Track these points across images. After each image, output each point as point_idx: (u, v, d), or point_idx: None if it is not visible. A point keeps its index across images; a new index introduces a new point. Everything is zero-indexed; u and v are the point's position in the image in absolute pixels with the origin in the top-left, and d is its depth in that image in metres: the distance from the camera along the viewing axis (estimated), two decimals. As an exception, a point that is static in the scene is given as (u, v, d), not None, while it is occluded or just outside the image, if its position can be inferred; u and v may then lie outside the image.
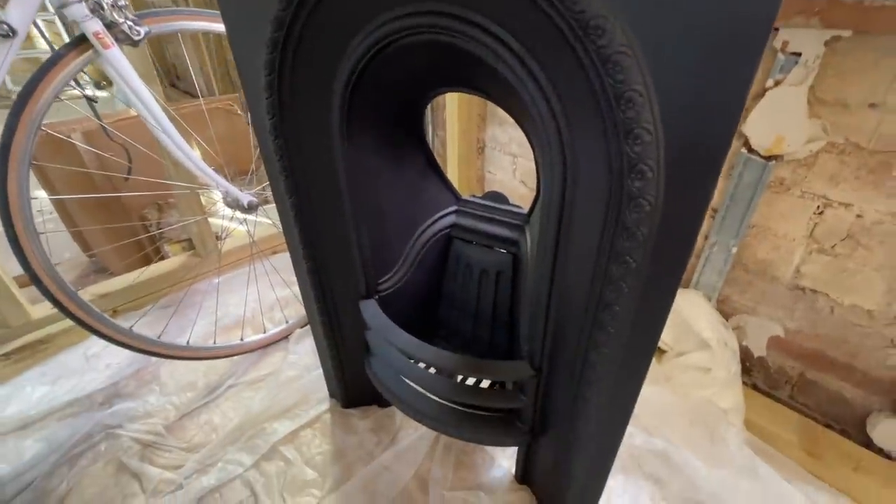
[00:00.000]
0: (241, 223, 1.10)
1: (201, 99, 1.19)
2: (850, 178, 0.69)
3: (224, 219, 1.10)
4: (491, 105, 1.21)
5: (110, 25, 0.70)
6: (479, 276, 0.73)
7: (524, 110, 0.42)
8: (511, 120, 1.18)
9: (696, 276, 0.92)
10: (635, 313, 0.44)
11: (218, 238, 1.29)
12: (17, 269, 1.18)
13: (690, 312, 0.90)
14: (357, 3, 0.43)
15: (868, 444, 0.78)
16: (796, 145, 0.71)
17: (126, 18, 0.70)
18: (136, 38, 0.72)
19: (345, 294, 0.72)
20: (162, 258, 1.34)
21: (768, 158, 0.74)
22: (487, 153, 1.28)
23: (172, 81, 3.59)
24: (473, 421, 0.67)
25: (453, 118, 1.19)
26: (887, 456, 0.77)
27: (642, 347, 0.47)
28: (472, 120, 1.22)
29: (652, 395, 0.85)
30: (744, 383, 0.89)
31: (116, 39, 0.71)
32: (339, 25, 0.46)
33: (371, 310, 0.69)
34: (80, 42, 0.69)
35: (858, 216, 0.69)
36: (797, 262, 0.78)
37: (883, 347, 0.74)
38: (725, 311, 0.92)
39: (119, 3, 0.68)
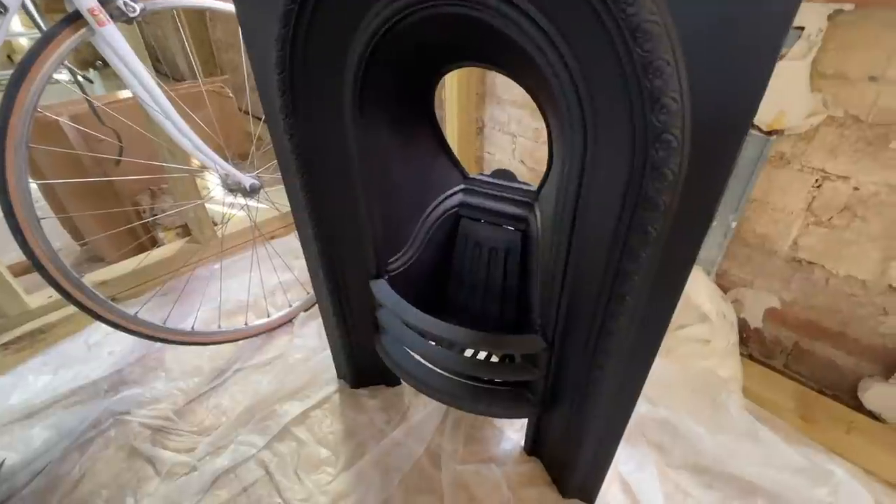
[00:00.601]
0: (240, 208, 1.09)
1: (200, 79, 1.15)
2: (849, 151, 0.70)
3: (224, 203, 1.09)
4: (490, 84, 1.20)
5: (105, 1, 0.68)
6: (488, 253, 0.74)
7: (542, 82, 0.42)
8: (510, 99, 1.17)
9: (695, 251, 0.94)
10: (653, 283, 0.45)
11: (215, 224, 1.27)
12: (9, 259, 1.16)
13: (690, 286, 0.92)
14: (374, -25, 0.43)
15: (859, 407, 0.82)
16: (797, 119, 0.72)
17: (121, -6, 0.67)
18: (132, 14, 0.70)
19: (355, 274, 0.72)
20: (157, 245, 1.32)
21: (769, 133, 0.75)
22: (486, 133, 1.27)
23: (155, 65, 3.48)
24: (485, 394, 0.69)
25: (452, 97, 1.18)
26: (877, 418, 0.81)
27: (658, 317, 0.48)
28: (471, 99, 1.21)
29: (654, 365, 0.88)
30: (740, 353, 0.92)
31: (111, 16, 0.69)
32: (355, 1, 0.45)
33: (382, 289, 0.70)
34: (74, 19, 0.67)
35: (855, 188, 0.71)
36: (795, 234, 0.80)
37: (875, 316, 0.77)
38: (724, 284, 0.95)
39: (114, -22, 0.66)
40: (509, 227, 0.72)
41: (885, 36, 0.61)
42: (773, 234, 0.83)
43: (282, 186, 0.70)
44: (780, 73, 0.71)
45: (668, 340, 0.94)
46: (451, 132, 1.23)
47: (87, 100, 0.84)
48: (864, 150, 0.68)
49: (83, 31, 0.67)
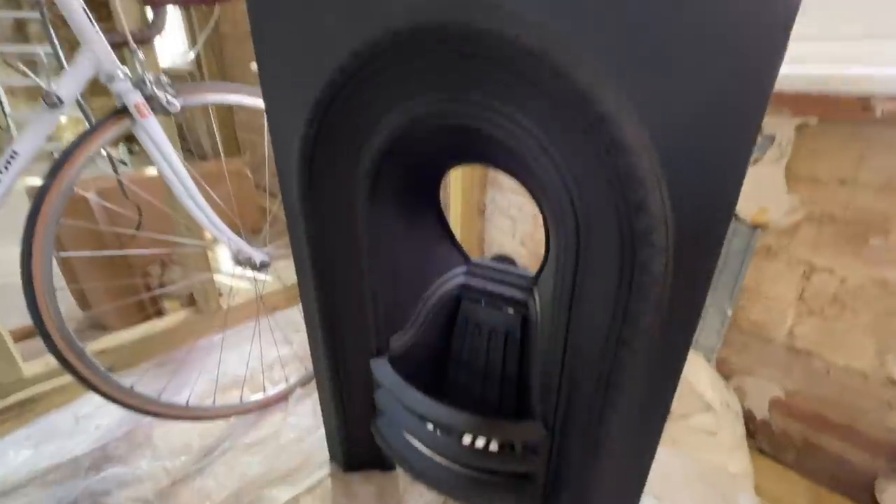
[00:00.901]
0: (248, 281, 1.12)
1: (223, 160, 1.24)
2: (831, 246, 0.74)
3: (233, 276, 1.12)
4: (492, 171, 1.29)
5: (149, 98, 0.76)
6: (487, 335, 0.75)
7: (539, 186, 0.47)
8: (511, 185, 1.25)
9: (694, 337, 0.95)
10: (650, 371, 0.46)
11: (221, 294, 1.29)
12: (13, 323, 1.16)
13: (691, 373, 0.91)
14: (395, 88, 0.49)
15: (878, 510, 0.78)
16: (778, 215, 0.77)
17: (165, 92, 0.76)
18: (172, 109, 0.78)
19: (355, 352, 0.73)
20: (160, 313, 1.33)
21: (754, 227, 0.80)
22: (488, 215, 1.34)
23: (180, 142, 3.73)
24: (482, 486, 0.66)
25: (456, 181, 1.26)
26: (899, 523, 0.76)
27: (656, 408, 0.49)
28: (474, 183, 1.29)
29: (660, 458, 0.84)
30: (750, 447, 0.88)
31: (153, 110, 0.77)
32: (375, 106, 0.51)
33: (382, 368, 0.70)
34: (120, 112, 0.75)
35: (842, 281, 0.74)
36: (790, 323, 0.82)
37: (880, 409, 0.76)
38: (725, 371, 0.94)
39: (161, 80, 0.75)
40: (509, 311, 0.74)
41: (849, 145, 0.68)
42: (768, 322, 0.85)
43: (287, 260, 0.73)
44: (759, 174, 0.77)
45: (674, 430, 0.91)
46: (455, 213, 1.30)
47: (118, 181, 0.91)
48: (845, 246, 0.72)
49: (126, 122, 0.75)
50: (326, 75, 0.50)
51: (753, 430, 0.93)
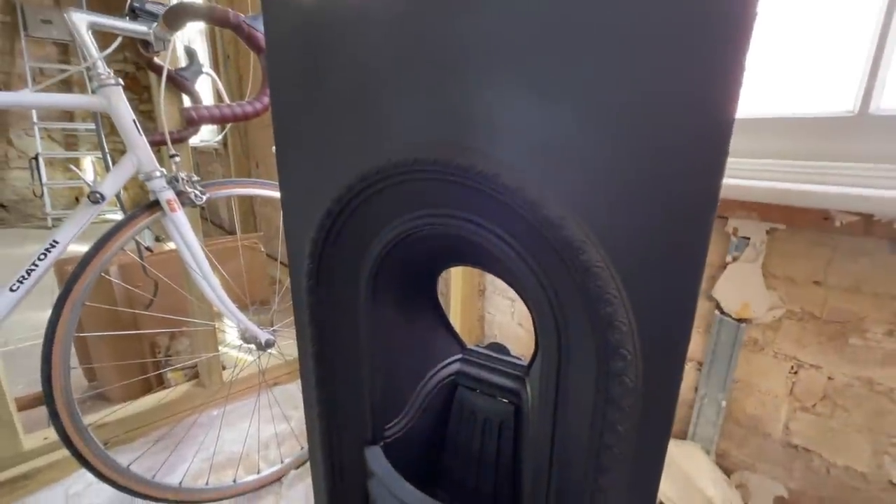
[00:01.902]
0: (253, 356, 1.15)
1: (238, 236, 1.33)
2: (814, 343, 0.77)
3: (239, 351, 1.15)
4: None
5: (180, 193, 0.85)
6: (482, 423, 0.77)
7: (527, 295, 0.52)
8: (509, 267, 1.31)
9: (691, 427, 0.94)
10: (630, 474, 0.48)
11: (224, 368, 1.32)
12: (17, 391, 1.18)
13: (691, 467, 0.90)
14: (395, 204, 0.56)
15: None
16: (760, 311, 0.80)
17: (195, 189, 0.85)
18: (199, 202, 0.86)
19: (351, 438, 0.74)
20: (163, 385, 1.35)
21: (739, 320, 0.83)
22: (487, 296, 1.38)
23: (202, 213, 3.93)
24: (475, 590, 0.64)
25: (457, 264, 1.33)
26: None
27: (642, 500, 0.49)
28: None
29: (661, 562, 0.81)
30: (757, 551, 0.85)
31: (182, 204, 0.85)
32: (378, 216, 0.58)
33: (376, 457, 0.71)
34: (153, 205, 0.83)
35: (830, 378, 0.76)
36: (784, 419, 0.82)
37: (886, 514, 0.74)
38: (726, 466, 0.92)
39: (192, 179, 0.84)
40: (503, 400, 0.76)
41: (816, 250, 0.73)
42: (763, 416, 0.85)
43: (290, 339, 0.77)
44: (738, 272, 0.82)
45: (675, 529, 0.88)
46: (456, 294, 1.35)
47: (141, 264, 0.98)
48: (827, 343, 0.75)
49: (157, 214, 0.83)
50: (336, 192, 0.57)
51: (761, 532, 0.89)
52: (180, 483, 0.91)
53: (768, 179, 0.72)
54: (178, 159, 0.84)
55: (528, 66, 0.43)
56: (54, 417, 0.75)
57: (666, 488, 0.94)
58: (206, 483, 0.97)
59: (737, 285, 0.82)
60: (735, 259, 0.82)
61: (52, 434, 1.04)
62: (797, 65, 0.81)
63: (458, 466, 0.80)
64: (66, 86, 3.72)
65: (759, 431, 0.86)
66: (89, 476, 0.97)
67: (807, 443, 0.80)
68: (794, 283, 0.76)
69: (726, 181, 0.66)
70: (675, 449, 0.94)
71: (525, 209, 0.44)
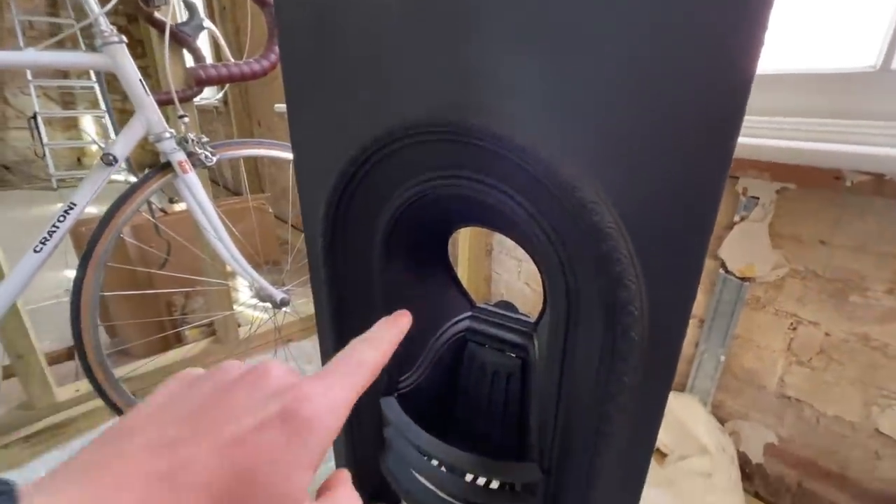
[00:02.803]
0: (268, 314, 1.19)
1: (248, 197, 1.34)
2: (815, 300, 0.79)
3: (254, 309, 1.20)
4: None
5: (190, 154, 0.85)
6: (491, 377, 0.81)
7: (537, 254, 0.53)
8: (516, 227, 1.32)
9: (690, 380, 0.99)
10: (633, 423, 0.51)
11: (240, 325, 1.37)
12: (49, 347, 1.24)
13: (687, 416, 0.95)
14: (409, 165, 0.57)
15: (873, 560, 0.79)
16: (764, 270, 0.82)
17: (205, 150, 0.85)
18: (209, 164, 0.87)
19: (367, 390, 0.78)
20: (181, 342, 1.41)
21: (743, 279, 0.85)
22: (495, 255, 1.41)
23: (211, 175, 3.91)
24: (484, 523, 0.70)
25: (464, 224, 1.34)
26: (893, 575, 0.78)
27: (641, 453, 0.53)
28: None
29: (656, 499, 0.87)
30: (746, 490, 0.91)
31: (193, 165, 0.86)
32: (392, 178, 0.59)
33: (392, 406, 0.75)
34: (165, 167, 0.84)
35: (827, 334, 0.78)
36: (780, 372, 0.86)
37: (869, 459, 0.78)
38: (721, 415, 0.97)
39: (202, 140, 0.84)
40: (511, 354, 0.79)
41: (825, 210, 0.73)
42: (760, 369, 0.88)
43: (305, 297, 0.80)
44: (745, 231, 0.83)
45: (670, 473, 0.94)
46: (464, 254, 1.37)
47: (154, 225, 1.00)
48: (828, 301, 0.77)
49: (170, 176, 0.84)
50: (350, 153, 0.58)
51: (750, 473, 0.95)
52: (207, 430, 0.98)
53: (782, 138, 0.72)
54: (186, 120, 0.84)
55: (542, 21, 0.42)
56: (87, 371, 0.79)
57: (662, 436, 0.99)
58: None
59: (743, 245, 0.83)
60: (743, 219, 0.83)
61: (83, 386, 1.10)
62: (815, 18, 0.78)
63: (469, 415, 0.85)
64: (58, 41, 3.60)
65: (755, 384, 0.90)
66: (121, 424, 1.03)
67: (799, 394, 0.84)
68: (799, 243, 0.77)
69: (740, 140, 0.65)
70: (673, 400, 0.99)
71: (538, 170, 0.45)
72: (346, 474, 0.26)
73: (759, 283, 0.84)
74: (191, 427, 0.20)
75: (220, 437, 0.20)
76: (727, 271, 0.87)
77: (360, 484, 0.86)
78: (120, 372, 1.18)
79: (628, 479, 0.55)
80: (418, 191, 0.58)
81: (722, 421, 0.96)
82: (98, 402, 1.00)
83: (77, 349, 0.77)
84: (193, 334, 1.45)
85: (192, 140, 0.84)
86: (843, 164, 0.64)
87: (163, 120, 0.82)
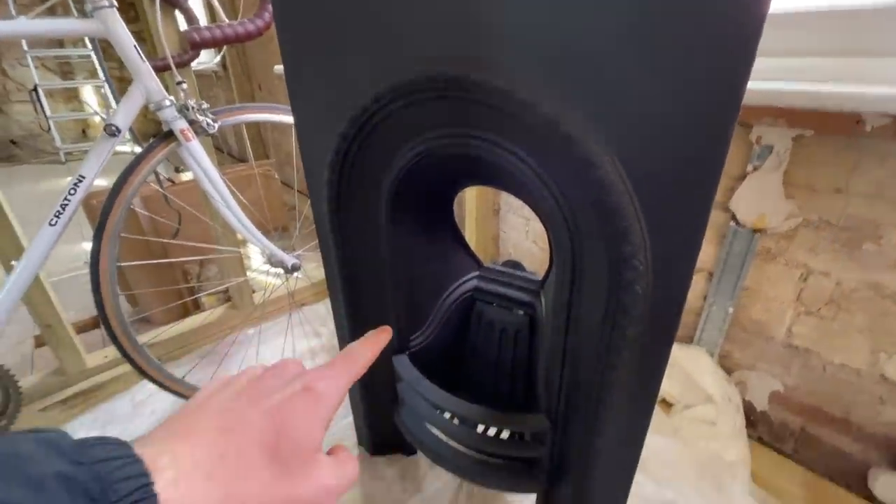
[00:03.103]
0: (280, 279, 1.21)
1: (252, 163, 1.33)
2: (828, 250, 0.78)
3: (267, 275, 1.23)
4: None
5: (192, 122, 0.85)
6: (499, 334, 0.82)
7: (542, 211, 0.53)
8: (523, 186, 1.31)
9: (698, 333, 1.00)
10: (636, 374, 0.52)
11: (254, 291, 1.40)
12: (72, 316, 1.30)
13: (694, 367, 0.97)
14: (411, 125, 0.56)
15: (871, 498, 0.82)
16: (776, 221, 0.81)
17: (206, 117, 0.84)
18: (211, 131, 0.86)
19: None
20: (199, 308, 1.45)
21: (754, 231, 0.84)
22: (502, 215, 1.40)
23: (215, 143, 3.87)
24: (495, 469, 0.74)
25: (471, 185, 1.32)
26: (890, 510, 0.81)
27: (643, 403, 0.55)
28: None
29: (661, 445, 0.91)
30: (749, 436, 0.94)
31: (195, 133, 0.85)
32: (394, 138, 0.58)
33: (404, 364, 0.78)
34: (167, 136, 0.84)
35: (838, 284, 0.78)
36: (788, 322, 0.86)
37: (873, 404, 0.80)
38: (728, 366, 0.99)
39: (203, 107, 0.83)
40: (518, 312, 0.80)
41: (842, 157, 0.71)
42: (768, 321, 0.89)
43: (316, 261, 0.81)
44: (757, 182, 0.81)
45: (676, 421, 0.97)
46: (470, 214, 1.36)
47: (162, 194, 1.01)
48: (840, 250, 0.76)
49: (173, 145, 0.84)
50: (351, 113, 0.57)
51: (754, 420, 0.98)
52: (230, 390, 1.03)
53: (800, 80, 0.68)
54: (185, 86, 0.83)
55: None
56: (113, 339, 0.83)
57: (669, 387, 1.02)
58: (253, 390, 1.08)
59: (755, 196, 0.82)
60: (756, 169, 0.80)
61: (111, 353, 1.15)
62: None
63: (478, 371, 0.88)
64: (49, 8, 3.51)
65: (763, 335, 0.91)
66: (150, 387, 1.09)
67: (807, 344, 0.85)
68: (814, 192, 0.76)
69: (753, 85, 0.63)
70: (680, 352, 1.00)
71: (540, 125, 0.44)
72: (344, 446, 0.35)
73: (770, 234, 0.83)
74: (242, 400, 0.30)
75: (264, 405, 0.30)
76: (738, 223, 0.86)
77: (375, 436, 0.90)
78: (143, 338, 1.23)
79: (632, 427, 0.57)
80: (422, 150, 0.57)
81: (729, 371, 0.98)
82: (126, 367, 1.05)
83: (101, 318, 0.80)
84: (210, 301, 1.50)
85: (193, 107, 0.83)
86: (865, 106, 0.62)
87: (161, 87, 0.81)
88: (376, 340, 0.47)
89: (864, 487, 0.85)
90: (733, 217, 0.86)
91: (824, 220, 0.76)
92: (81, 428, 1.05)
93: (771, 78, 0.70)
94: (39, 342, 1.33)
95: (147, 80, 0.78)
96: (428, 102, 0.52)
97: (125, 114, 0.78)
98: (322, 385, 0.33)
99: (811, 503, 0.83)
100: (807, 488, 0.86)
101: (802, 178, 0.76)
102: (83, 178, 0.76)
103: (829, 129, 0.70)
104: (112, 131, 0.76)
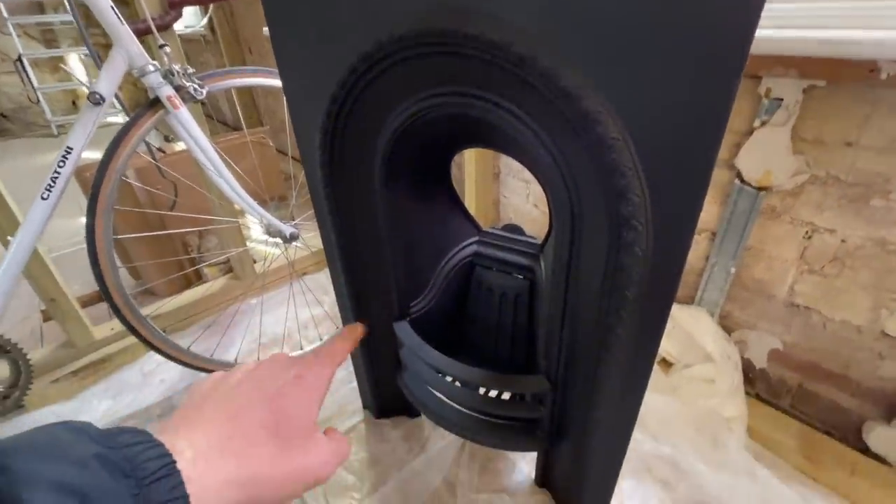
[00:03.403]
0: (279, 248, 1.21)
1: (245, 131, 1.30)
2: (834, 207, 0.76)
3: (266, 245, 1.22)
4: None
5: (178, 88, 0.82)
6: (499, 298, 0.82)
7: (540, 172, 0.51)
8: (523, 148, 1.27)
9: (699, 293, 1.00)
10: (635, 335, 0.52)
11: (255, 262, 1.40)
12: (76, 290, 1.31)
13: (694, 327, 0.97)
14: (403, 84, 0.53)
15: (865, 450, 0.84)
16: (783, 178, 0.78)
17: (192, 82, 0.81)
18: (199, 97, 0.83)
19: (380, 316, 0.81)
20: (201, 280, 1.46)
21: (759, 189, 0.82)
22: (502, 179, 1.37)
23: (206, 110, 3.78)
24: (496, 429, 0.75)
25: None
26: (883, 461, 0.83)
27: (642, 363, 0.55)
28: (488, 150, 1.32)
29: (659, 404, 0.93)
30: (747, 393, 0.95)
31: (183, 99, 0.82)
32: (386, 98, 0.56)
33: (404, 330, 0.79)
34: (154, 104, 0.81)
35: (843, 241, 0.77)
36: (790, 281, 0.86)
37: (872, 360, 0.80)
38: (728, 325, 0.99)
39: (188, 71, 0.80)
40: (518, 276, 0.80)
41: (855, 108, 0.68)
42: (770, 280, 0.88)
43: (315, 230, 0.81)
44: (765, 137, 0.78)
45: (674, 380, 0.99)
46: (470, 178, 1.34)
47: (156, 166, 0.99)
48: (847, 206, 0.74)
49: (161, 113, 0.81)
50: (341, 73, 0.54)
51: (753, 378, 0.99)
52: (235, 359, 1.05)
53: (812, 27, 0.65)
54: (168, 49, 0.79)
55: None
56: (116, 311, 0.83)
57: (669, 346, 1.03)
58: (258, 359, 1.10)
59: (761, 152, 0.79)
60: (763, 123, 0.77)
61: (117, 325, 1.17)
62: None
63: (479, 336, 0.89)
64: (27, -29, 3.35)
65: (764, 294, 0.90)
66: (158, 357, 1.11)
67: (808, 302, 0.85)
68: (823, 146, 0.73)
69: (764, 34, 0.59)
70: (681, 312, 1.01)
71: (538, 81, 0.42)
72: (335, 428, 0.40)
73: (775, 192, 0.81)
74: (242, 389, 0.35)
75: (262, 393, 0.34)
76: (742, 181, 0.84)
77: (379, 400, 0.92)
78: (147, 310, 1.24)
79: (630, 387, 0.58)
80: (415, 110, 0.55)
81: (729, 331, 0.99)
82: (133, 339, 1.06)
83: (102, 290, 0.80)
84: (212, 272, 1.50)
85: (178, 72, 0.79)
86: (881, 53, 0.58)
87: (143, 52, 0.77)
88: (351, 335, 0.57)
89: (857, 440, 0.87)
90: (738, 175, 0.84)
91: (832, 175, 0.74)
92: (94, 398, 1.07)
93: (783, 26, 0.66)
94: (47, 316, 1.35)
95: (128, 44, 0.75)
96: (420, 59, 0.49)
97: (108, 81, 0.75)
98: (311, 374, 0.38)
99: (805, 455, 0.85)
100: (802, 441, 0.88)
101: (812, 132, 0.74)
102: (71, 149, 0.74)
103: (842, 77, 0.66)
104: (96, 100, 0.74)
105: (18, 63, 3.21)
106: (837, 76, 0.67)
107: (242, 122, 1.34)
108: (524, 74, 0.42)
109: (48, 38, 3.87)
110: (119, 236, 1.33)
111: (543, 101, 0.43)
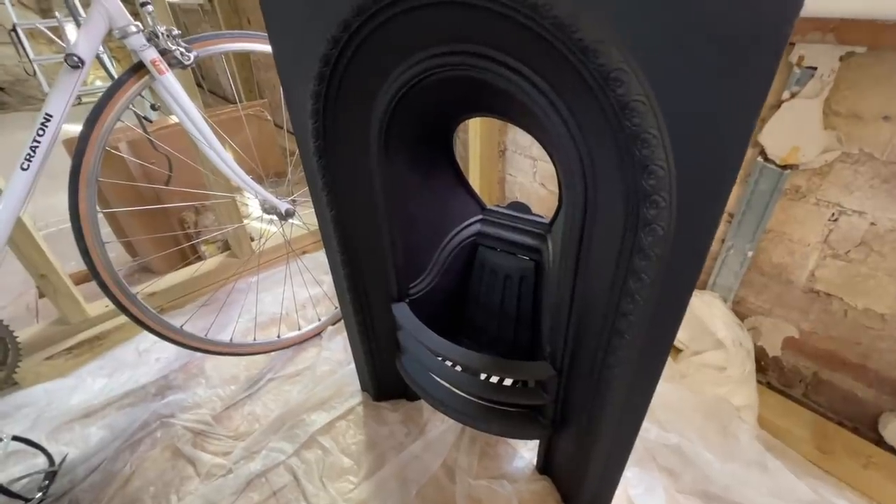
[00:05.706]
0: (276, 226, 1.17)
1: (240, 105, 1.25)
2: (865, 187, 0.71)
3: (262, 222, 1.18)
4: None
5: (164, 52, 0.76)
6: (503, 280, 0.78)
7: (551, 141, 0.46)
8: (531, 124, 1.21)
9: (712, 277, 0.95)
10: (650, 321, 0.48)
11: (253, 239, 1.36)
12: (71, 267, 1.28)
13: (706, 313, 0.93)
14: (400, 42, 0.48)
15: (879, 441, 0.81)
16: (811, 155, 0.73)
17: (178, 46, 0.76)
18: (187, 62, 0.78)
19: (378, 297, 0.78)
20: (198, 257, 1.42)
21: (784, 167, 0.77)
22: (508, 156, 1.32)
23: (198, 81, 3.69)
24: (498, 415, 0.73)
25: (475, 122, 1.23)
26: (898, 453, 0.80)
27: (657, 351, 0.51)
28: (494, 124, 1.26)
29: (667, 391, 0.89)
30: (759, 381, 0.92)
31: (169, 65, 0.77)
32: (382, 60, 0.51)
33: (403, 312, 0.75)
34: (138, 69, 0.76)
35: (872, 224, 0.72)
36: (812, 266, 0.81)
37: (894, 349, 0.76)
38: (741, 312, 0.95)
39: (173, 33, 0.75)
40: (524, 257, 0.76)
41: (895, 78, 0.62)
42: (789, 264, 0.84)
43: (312, 208, 0.77)
44: (794, 110, 0.73)
45: (684, 366, 0.95)
46: (475, 155, 1.28)
47: (148, 138, 0.94)
48: (880, 187, 0.69)
49: (146, 78, 0.76)
50: (332, 30, 0.49)
51: (765, 366, 0.95)
52: (230, 339, 1.02)
53: (858, -14, 0.58)
54: (150, 8, 0.74)
55: None
56: (103, 288, 0.80)
57: (679, 333, 0.99)
58: (254, 339, 1.07)
59: (789, 127, 0.74)
60: (793, 95, 0.72)
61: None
62: None
63: (480, 318, 0.85)
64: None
65: (782, 279, 0.86)
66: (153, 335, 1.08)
67: (829, 288, 0.80)
68: (859, 121, 0.67)
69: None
70: (692, 298, 0.96)
71: (552, 32, 0.37)
72: None
73: (801, 170, 0.76)
74: None
75: None
76: (766, 159, 0.78)
77: (378, 382, 0.89)
78: (140, 288, 1.21)
79: (642, 377, 0.54)
80: (416, 72, 0.50)
81: (742, 317, 0.95)
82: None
83: (88, 266, 0.77)
84: (210, 249, 1.47)
85: (162, 34, 0.74)
86: (934, 13, 0.52)
87: (124, 11, 0.72)
88: None
89: (871, 431, 0.83)
90: (762, 152, 0.79)
91: (866, 153, 0.69)
92: (89, 375, 1.06)
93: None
94: (42, 293, 1.32)
95: (107, 1, 0.69)
96: (419, 12, 0.44)
97: (86, 41, 0.70)
98: None
99: (817, 445, 0.82)
100: (814, 431, 0.85)
101: (846, 104, 0.68)
102: (50, 116, 0.70)
103: (885, 43, 0.60)
104: (74, 62, 0.69)
105: (13, 33, 3.13)
106: (880, 41, 0.61)
107: (238, 96, 1.28)
108: (536, 26, 0.37)
109: (43, 6, 3.77)
110: (110, 210, 1.29)
111: (557, 57, 0.38)
